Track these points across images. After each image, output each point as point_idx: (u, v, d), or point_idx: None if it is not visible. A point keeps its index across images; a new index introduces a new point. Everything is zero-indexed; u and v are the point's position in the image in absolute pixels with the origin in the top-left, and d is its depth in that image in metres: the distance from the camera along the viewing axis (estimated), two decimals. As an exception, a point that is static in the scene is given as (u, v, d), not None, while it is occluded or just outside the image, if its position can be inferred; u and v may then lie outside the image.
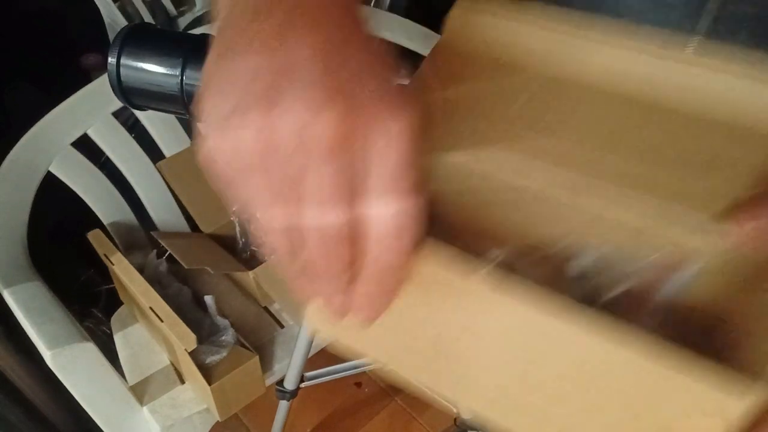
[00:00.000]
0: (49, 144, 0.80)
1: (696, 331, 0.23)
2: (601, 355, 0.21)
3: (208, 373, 0.73)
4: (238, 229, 0.93)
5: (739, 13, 0.43)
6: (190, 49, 0.41)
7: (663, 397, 0.20)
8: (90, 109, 0.83)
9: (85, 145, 0.84)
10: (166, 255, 0.89)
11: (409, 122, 0.21)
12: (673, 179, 0.26)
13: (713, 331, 0.24)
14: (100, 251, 0.81)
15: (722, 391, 0.18)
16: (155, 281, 0.85)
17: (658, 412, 0.21)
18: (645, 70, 0.30)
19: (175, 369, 0.81)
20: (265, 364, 0.82)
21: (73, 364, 0.65)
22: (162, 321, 0.69)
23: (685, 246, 0.24)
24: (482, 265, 0.23)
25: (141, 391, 0.77)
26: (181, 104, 0.43)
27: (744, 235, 0.25)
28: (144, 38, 0.44)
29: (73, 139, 0.82)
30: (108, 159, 0.87)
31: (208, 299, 0.84)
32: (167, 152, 0.93)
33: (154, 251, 0.90)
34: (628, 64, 0.30)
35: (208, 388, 0.72)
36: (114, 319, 0.89)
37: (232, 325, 0.81)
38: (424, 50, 1.11)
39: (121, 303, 0.92)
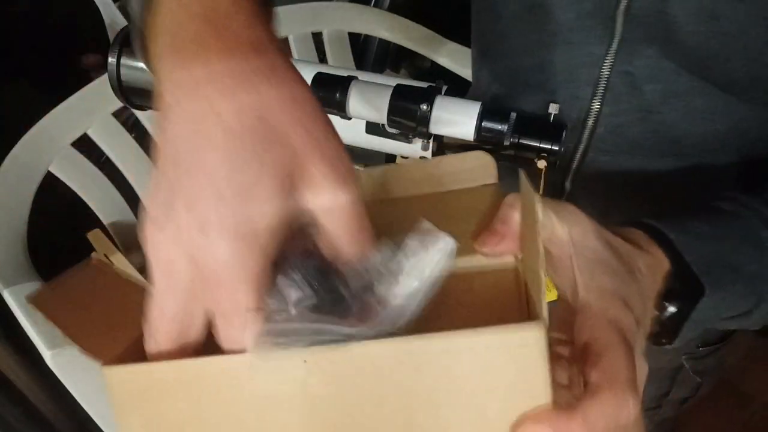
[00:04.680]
0: (49, 144, 0.80)
1: None
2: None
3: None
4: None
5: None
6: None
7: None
8: (90, 109, 0.83)
9: (85, 145, 0.84)
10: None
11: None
12: None
13: None
14: (100, 251, 0.81)
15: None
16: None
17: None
18: None
19: (175, 369, 0.81)
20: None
21: (73, 364, 0.65)
22: (162, 321, 0.69)
23: None
24: None
25: (141, 391, 0.77)
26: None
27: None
28: (144, 38, 0.44)
29: (73, 139, 0.82)
30: (108, 159, 0.87)
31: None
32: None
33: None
34: None
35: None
36: (114, 319, 0.89)
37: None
38: (424, 50, 1.11)
39: (121, 303, 0.92)
